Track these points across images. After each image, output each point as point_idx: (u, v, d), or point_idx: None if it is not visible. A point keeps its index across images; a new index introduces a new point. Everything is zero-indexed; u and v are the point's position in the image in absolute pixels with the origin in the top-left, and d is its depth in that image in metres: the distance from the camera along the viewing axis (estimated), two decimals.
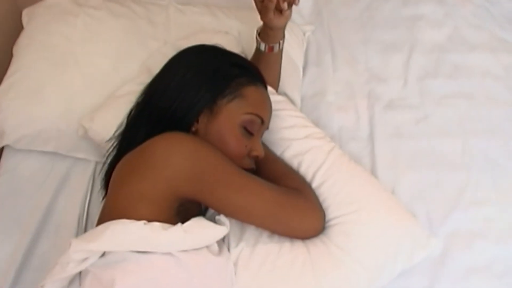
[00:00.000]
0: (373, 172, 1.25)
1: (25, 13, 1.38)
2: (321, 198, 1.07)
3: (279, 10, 1.11)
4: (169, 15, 1.39)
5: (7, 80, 1.26)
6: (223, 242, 1.02)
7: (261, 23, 1.17)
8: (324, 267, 1.00)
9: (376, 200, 1.09)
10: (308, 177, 1.10)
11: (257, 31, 1.21)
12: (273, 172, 1.09)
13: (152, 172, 0.89)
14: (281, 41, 1.21)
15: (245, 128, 1.03)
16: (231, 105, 1.03)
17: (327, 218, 1.06)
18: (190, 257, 0.88)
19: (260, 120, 1.05)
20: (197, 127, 1.03)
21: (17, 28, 1.39)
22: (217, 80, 1.04)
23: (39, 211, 1.18)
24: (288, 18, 1.15)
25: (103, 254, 0.87)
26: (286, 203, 0.98)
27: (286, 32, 1.30)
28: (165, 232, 0.86)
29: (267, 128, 1.13)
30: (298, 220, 1.01)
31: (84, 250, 0.85)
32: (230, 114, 1.03)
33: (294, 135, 1.16)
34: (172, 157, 0.90)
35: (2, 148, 1.28)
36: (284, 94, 1.31)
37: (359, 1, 1.62)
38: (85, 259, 0.86)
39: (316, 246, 1.02)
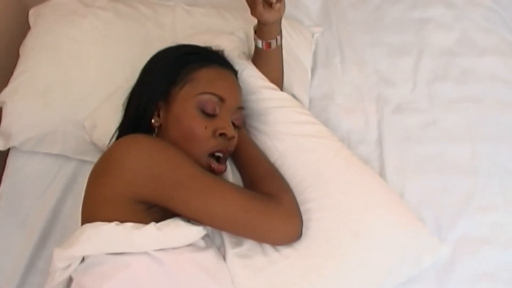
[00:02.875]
0: (381, 176, 1.24)
1: (32, 13, 1.37)
2: (329, 196, 1.05)
3: (268, 4, 1.08)
4: (176, 16, 1.38)
5: (13, 81, 1.25)
6: (218, 249, 1.02)
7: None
8: (327, 268, 1.00)
9: (385, 202, 1.08)
10: (313, 174, 1.08)
11: (254, 28, 1.19)
12: (253, 174, 1.09)
13: (111, 176, 0.90)
14: (278, 37, 1.19)
15: (202, 110, 1.02)
16: (183, 90, 1.03)
17: (334, 216, 1.04)
18: (168, 256, 0.88)
19: (217, 98, 1.03)
20: (160, 122, 1.04)
21: (24, 28, 1.38)
22: (167, 71, 1.05)
23: (45, 213, 1.18)
24: (281, 12, 1.12)
25: (84, 259, 0.88)
26: (252, 208, 0.95)
27: (294, 34, 1.29)
28: (137, 231, 0.86)
29: (241, 108, 1.10)
30: (266, 226, 0.97)
31: (65, 257, 0.87)
32: (183, 99, 1.03)
33: (300, 131, 1.15)
34: (128, 161, 0.89)
35: (8, 149, 1.28)
36: (292, 96, 1.30)
37: (368, 3, 1.61)
38: (68, 266, 0.88)
39: (320, 246, 1.02)
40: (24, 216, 1.18)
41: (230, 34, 1.34)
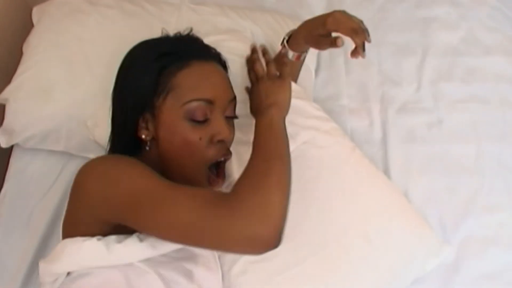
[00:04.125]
0: (386, 176, 1.23)
1: (35, 11, 1.36)
2: (339, 197, 1.05)
3: (334, 44, 1.07)
4: (182, 15, 1.36)
5: (17, 78, 1.24)
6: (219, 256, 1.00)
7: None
8: (334, 271, 1.00)
9: (394, 205, 1.09)
10: (326, 172, 1.07)
11: (284, 38, 1.18)
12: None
13: (77, 200, 0.88)
14: (307, 50, 1.20)
15: (192, 119, 0.93)
16: (167, 101, 0.94)
17: (344, 218, 1.03)
18: (154, 265, 0.85)
19: (205, 101, 0.94)
20: (151, 134, 0.96)
21: (27, 25, 1.37)
22: (145, 81, 0.95)
23: (48, 213, 1.18)
24: None
25: (70, 273, 0.86)
26: (203, 216, 0.77)
27: None
28: (119, 245, 0.83)
29: (233, 98, 1.01)
30: (223, 235, 0.76)
31: (49, 273, 0.86)
32: (169, 112, 0.93)
33: (317, 126, 1.14)
34: (86, 185, 0.86)
35: (11, 149, 1.27)
36: None
37: (373, 3, 1.60)
38: (56, 280, 0.86)
39: (329, 248, 1.01)
40: (28, 215, 1.17)
41: (237, 32, 1.32)
